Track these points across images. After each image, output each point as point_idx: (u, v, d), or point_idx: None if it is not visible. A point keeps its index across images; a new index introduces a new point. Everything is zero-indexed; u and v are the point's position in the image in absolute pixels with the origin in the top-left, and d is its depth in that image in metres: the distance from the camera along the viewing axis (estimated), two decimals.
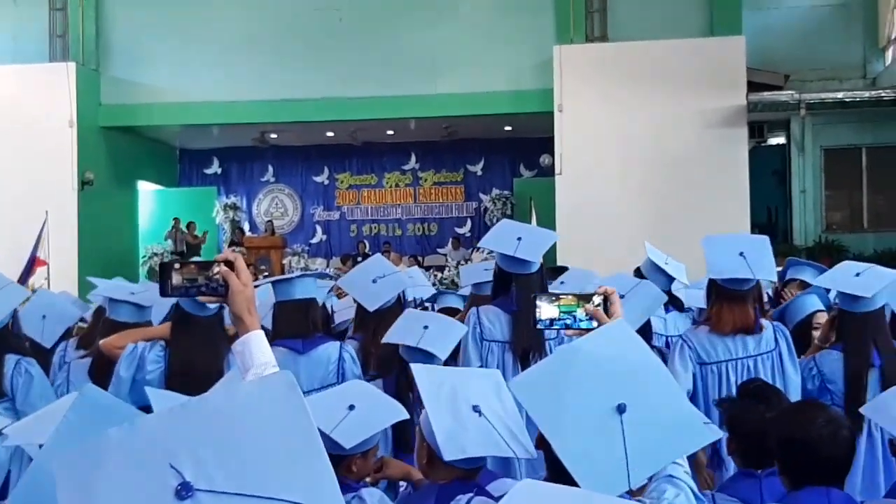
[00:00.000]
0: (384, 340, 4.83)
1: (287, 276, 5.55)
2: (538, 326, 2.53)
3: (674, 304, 6.37)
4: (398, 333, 4.80)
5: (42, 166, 18.55)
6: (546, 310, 2.50)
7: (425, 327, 4.76)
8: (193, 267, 2.50)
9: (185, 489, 1.29)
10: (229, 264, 2.49)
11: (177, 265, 2.50)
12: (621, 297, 5.15)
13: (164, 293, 2.52)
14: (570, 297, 2.56)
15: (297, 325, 5.17)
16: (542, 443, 2.18)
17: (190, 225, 21.84)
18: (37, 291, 5.63)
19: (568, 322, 2.53)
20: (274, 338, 5.20)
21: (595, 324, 2.53)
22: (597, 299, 2.56)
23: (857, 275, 4.94)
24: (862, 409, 3.48)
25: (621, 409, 1.98)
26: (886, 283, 4.92)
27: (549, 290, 2.55)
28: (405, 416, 3.62)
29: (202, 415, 1.42)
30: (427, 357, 4.61)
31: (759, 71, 17.97)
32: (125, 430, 1.38)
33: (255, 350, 2.47)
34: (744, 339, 5.01)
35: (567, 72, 17.98)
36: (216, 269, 2.47)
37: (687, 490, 2.13)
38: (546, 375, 2.13)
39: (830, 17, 18.99)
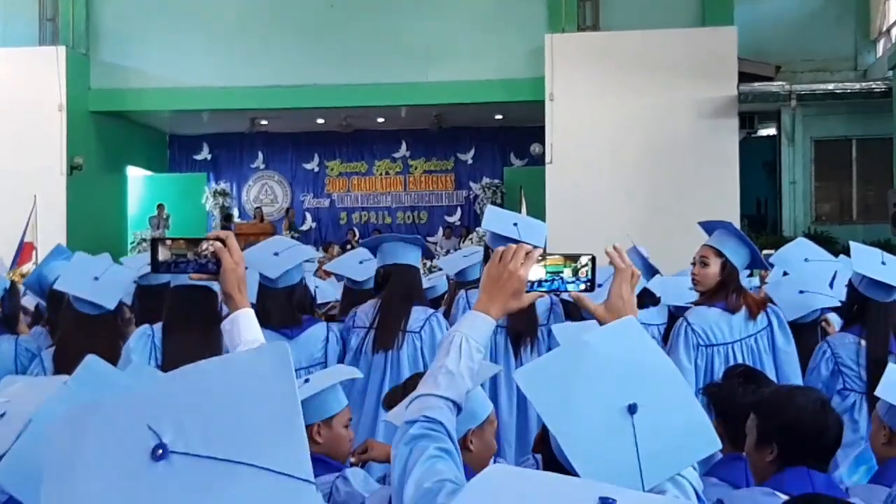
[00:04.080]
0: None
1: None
2: (525, 290, 2.42)
3: (649, 299, 6.35)
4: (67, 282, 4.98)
5: (31, 151, 18.47)
6: (532, 270, 2.43)
7: (95, 278, 4.90)
8: (183, 242, 2.52)
9: (161, 450, 1.31)
10: (221, 242, 2.50)
11: (167, 241, 2.51)
12: (600, 285, 5.22)
13: (154, 269, 2.53)
14: (557, 256, 2.49)
15: (284, 314, 5.16)
16: (539, 446, 2.15)
17: (159, 208, 21.87)
18: (77, 253, 5.48)
19: (556, 284, 2.47)
20: (260, 322, 5.18)
21: (582, 286, 2.49)
22: (584, 259, 2.50)
23: (883, 263, 5.00)
24: (877, 392, 3.49)
25: (632, 409, 1.92)
26: None
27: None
28: (357, 374, 3.62)
29: (193, 382, 1.46)
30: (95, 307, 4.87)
31: (750, 62, 17.98)
32: (117, 396, 1.40)
33: (244, 328, 2.52)
34: (743, 318, 5.06)
35: (558, 61, 17.97)
36: (206, 246, 2.48)
37: (688, 488, 2.06)
38: (554, 369, 2.06)
39: (822, 8, 19.03)
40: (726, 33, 17.71)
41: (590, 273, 2.51)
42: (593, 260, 2.51)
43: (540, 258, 2.46)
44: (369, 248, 5.84)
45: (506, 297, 2.39)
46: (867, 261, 5.11)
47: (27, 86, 18.70)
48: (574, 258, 2.50)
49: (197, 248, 2.51)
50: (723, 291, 5.16)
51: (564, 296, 5.73)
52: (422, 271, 6.10)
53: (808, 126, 18.96)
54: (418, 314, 5.36)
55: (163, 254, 2.50)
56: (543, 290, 2.50)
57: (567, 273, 2.49)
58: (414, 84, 19.32)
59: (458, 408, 2.28)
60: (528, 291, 2.44)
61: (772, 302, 5.32)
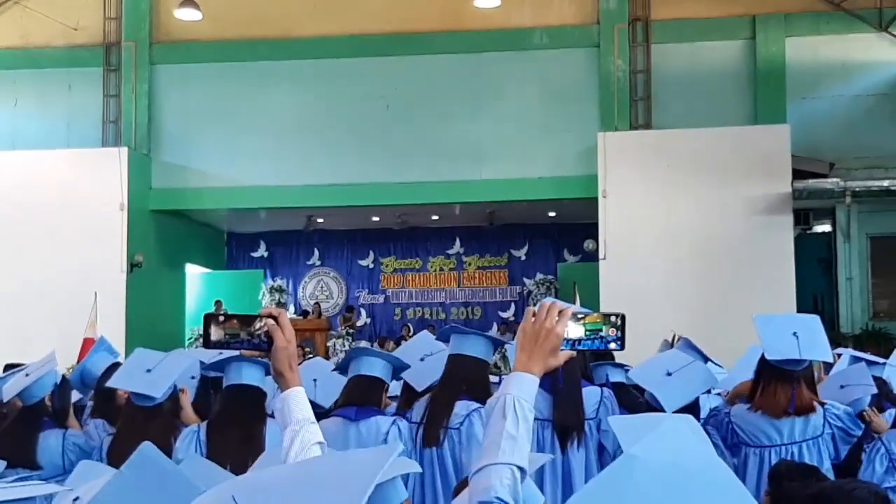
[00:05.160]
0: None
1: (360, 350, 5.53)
2: (561, 348, 2.42)
3: None
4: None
5: (93, 248, 18.79)
6: (571, 329, 2.43)
7: (148, 371, 4.96)
8: (236, 322, 2.56)
9: None
10: (274, 319, 2.55)
11: (220, 318, 2.56)
12: (668, 374, 5.22)
13: (206, 346, 2.59)
14: (595, 315, 2.50)
15: (355, 396, 5.19)
16: None
17: (217, 304, 21.95)
18: (137, 349, 5.54)
19: (596, 343, 2.47)
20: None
21: (612, 345, 2.48)
22: (614, 318, 2.50)
23: None
24: None
25: None
26: None
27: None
28: (416, 468, 3.61)
29: (294, 469, 1.58)
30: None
31: (803, 159, 17.97)
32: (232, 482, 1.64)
33: (294, 407, 2.53)
34: (792, 423, 4.99)
35: (611, 158, 18.09)
36: (259, 325, 2.53)
37: None
38: (603, 493, 1.94)
39: (875, 106, 19.01)
40: (779, 131, 17.76)
41: (620, 332, 2.50)
42: (623, 318, 2.51)
43: (579, 317, 2.47)
44: (442, 341, 5.74)
45: (545, 354, 2.37)
46: None
47: (91, 185, 19.09)
48: (607, 316, 2.51)
49: (250, 327, 2.54)
50: (756, 384, 5.16)
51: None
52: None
53: (864, 222, 18.82)
54: (460, 409, 5.13)
55: (216, 333, 2.55)
56: (583, 348, 2.50)
57: (605, 331, 2.48)
58: (468, 182, 19.50)
59: (524, 473, 2.23)
60: (568, 349, 2.44)
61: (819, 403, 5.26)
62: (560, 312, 2.42)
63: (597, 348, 2.51)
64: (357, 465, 1.55)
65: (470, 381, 5.22)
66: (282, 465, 1.52)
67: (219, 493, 1.59)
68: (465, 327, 5.54)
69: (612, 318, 2.50)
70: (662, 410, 5.03)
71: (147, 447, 2.42)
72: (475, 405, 5.09)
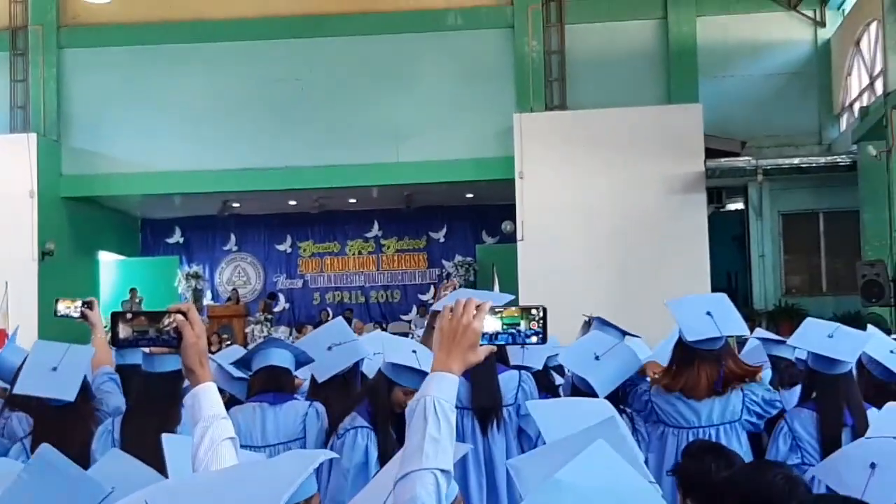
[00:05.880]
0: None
1: (268, 342, 5.45)
2: (480, 343, 2.38)
3: None
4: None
5: (2, 237, 18.43)
6: (488, 323, 2.39)
7: (53, 369, 4.64)
8: (144, 318, 2.51)
9: None
10: (183, 315, 2.50)
11: (128, 315, 2.51)
12: (597, 358, 5.20)
13: (114, 344, 2.53)
14: (513, 308, 2.45)
15: (269, 383, 5.14)
16: None
17: (132, 292, 21.65)
18: (35, 342, 5.24)
19: (513, 336, 2.43)
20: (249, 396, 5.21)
21: (534, 338, 2.45)
22: (534, 311, 2.45)
23: (830, 336, 4.94)
24: (812, 471, 3.48)
25: None
26: (862, 346, 4.96)
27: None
28: (333, 454, 3.56)
29: (217, 475, 1.60)
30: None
31: (716, 138, 18.22)
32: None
33: (205, 403, 2.49)
34: (711, 405, 5.01)
35: (527, 139, 18.16)
36: (168, 321, 2.49)
37: None
38: None
39: (785, 85, 19.33)
40: (692, 110, 17.98)
41: (541, 325, 2.47)
42: (544, 310, 2.47)
43: (497, 310, 2.43)
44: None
45: (464, 352, 2.33)
46: (810, 336, 5.07)
47: None
48: (527, 310, 2.47)
49: (159, 324, 2.50)
50: (670, 368, 5.19)
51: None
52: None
53: (776, 200, 19.10)
54: (347, 422, 4.77)
55: (124, 330, 2.49)
56: (500, 343, 2.45)
57: (524, 325, 2.45)
58: (385, 164, 19.46)
59: (448, 475, 2.21)
60: (483, 344, 2.40)
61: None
62: (477, 307, 2.38)
63: (515, 342, 2.47)
64: (276, 473, 1.55)
65: (375, 396, 4.81)
66: (202, 473, 1.51)
67: (135, 500, 1.58)
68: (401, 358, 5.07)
69: (533, 312, 2.46)
70: (592, 392, 5.01)
71: (45, 449, 2.35)
72: (359, 423, 4.73)
